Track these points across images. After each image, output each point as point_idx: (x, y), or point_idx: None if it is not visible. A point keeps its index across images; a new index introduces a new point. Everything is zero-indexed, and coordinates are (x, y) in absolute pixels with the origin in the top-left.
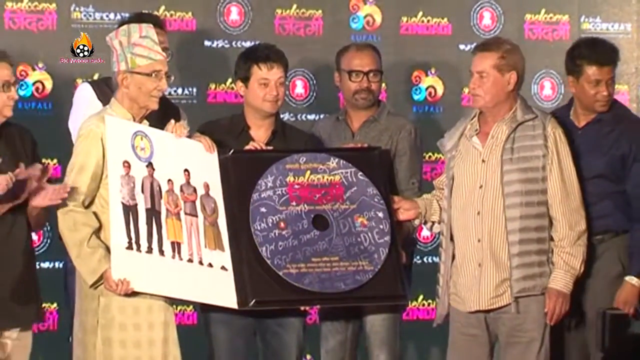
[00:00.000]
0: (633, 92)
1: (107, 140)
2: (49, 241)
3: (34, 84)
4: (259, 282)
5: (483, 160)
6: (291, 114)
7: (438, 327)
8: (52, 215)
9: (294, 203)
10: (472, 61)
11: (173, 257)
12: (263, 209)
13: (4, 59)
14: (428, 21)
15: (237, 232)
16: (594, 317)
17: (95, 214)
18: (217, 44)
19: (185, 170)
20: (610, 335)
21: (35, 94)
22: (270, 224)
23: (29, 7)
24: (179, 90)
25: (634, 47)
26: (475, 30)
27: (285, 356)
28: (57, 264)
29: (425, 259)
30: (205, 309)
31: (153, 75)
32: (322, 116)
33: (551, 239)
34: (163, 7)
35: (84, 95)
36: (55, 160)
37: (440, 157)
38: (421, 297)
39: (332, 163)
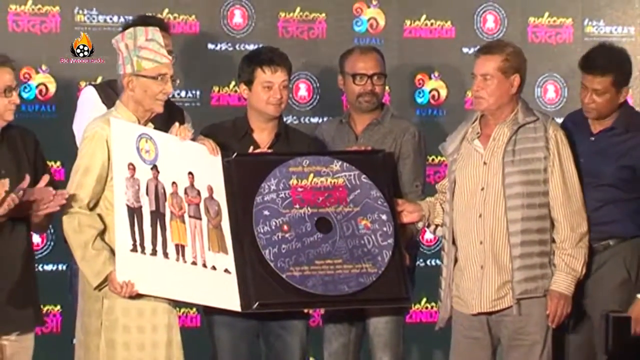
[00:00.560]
0: (637, 95)
1: (112, 142)
2: (52, 244)
3: (37, 86)
4: (263, 284)
5: (485, 163)
6: (294, 117)
7: (441, 330)
8: (55, 218)
9: (297, 206)
10: (474, 64)
11: (177, 259)
12: (266, 212)
13: (6, 64)
14: (431, 24)
15: (240, 235)
16: (598, 322)
17: (100, 216)
18: (221, 47)
19: (190, 173)
20: (615, 338)
21: (39, 96)
22: (273, 227)
23: (33, 9)
24: (183, 93)
25: (638, 50)
26: (479, 33)
27: (288, 359)
28: (60, 267)
29: (428, 262)
30: (208, 312)
31: (159, 78)
32: (325, 119)
33: (553, 240)
34: (167, 10)
35: (88, 98)
36: (58, 163)
37: (443, 160)
38: (424, 300)
39: (336, 166)
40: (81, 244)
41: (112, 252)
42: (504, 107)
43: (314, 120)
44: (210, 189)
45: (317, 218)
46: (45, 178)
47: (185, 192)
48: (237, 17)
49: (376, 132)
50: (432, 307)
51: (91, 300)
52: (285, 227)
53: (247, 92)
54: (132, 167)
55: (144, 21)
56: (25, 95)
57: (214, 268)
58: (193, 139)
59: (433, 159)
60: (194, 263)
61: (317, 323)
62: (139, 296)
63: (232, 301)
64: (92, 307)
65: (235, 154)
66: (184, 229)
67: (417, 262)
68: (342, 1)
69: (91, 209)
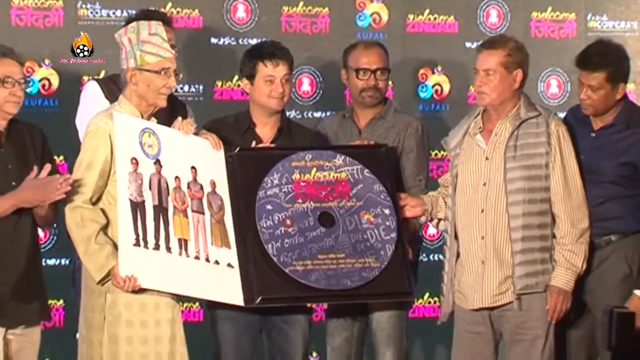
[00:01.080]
0: None
1: (115, 136)
2: (55, 238)
3: (40, 81)
4: (265, 279)
5: (486, 158)
6: (297, 112)
7: (443, 325)
8: (59, 212)
9: (300, 200)
10: (477, 59)
11: (180, 254)
12: (269, 207)
13: (8, 56)
14: (435, 19)
15: (243, 230)
16: (601, 318)
17: (102, 210)
18: (224, 42)
19: (192, 167)
20: (618, 333)
21: (42, 91)
22: (276, 222)
23: (36, 4)
24: (186, 88)
25: None
26: (482, 28)
27: (291, 353)
28: (63, 261)
29: (431, 257)
30: (211, 306)
31: (162, 72)
32: (328, 114)
33: (554, 236)
34: (170, 4)
35: (91, 93)
36: (61, 158)
37: (446, 155)
38: (427, 294)
39: (339, 160)
40: (84, 238)
41: (115, 246)
42: (506, 102)
43: (317, 114)
44: (213, 184)
45: (319, 212)
46: (47, 167)
47: (188, 187)
48: (240, 12)
49: (379, 127)
50: (434, 302)
51: (94, 295)
52: (288, 222)
53: (249, 86)
54: (135, 162)
55: (147, 15)
56: (28, 89)
57: (216, 262)
58: (196, 134)
59: (436, 154)
60: (197, 257)
61: (320, 318)
62: (141, 291)
63: (235, 296)
64: (95, 302)
65: (238, 149)
66: (187, 224)
67: (420, 257)
68: None
69: (94, 204)
